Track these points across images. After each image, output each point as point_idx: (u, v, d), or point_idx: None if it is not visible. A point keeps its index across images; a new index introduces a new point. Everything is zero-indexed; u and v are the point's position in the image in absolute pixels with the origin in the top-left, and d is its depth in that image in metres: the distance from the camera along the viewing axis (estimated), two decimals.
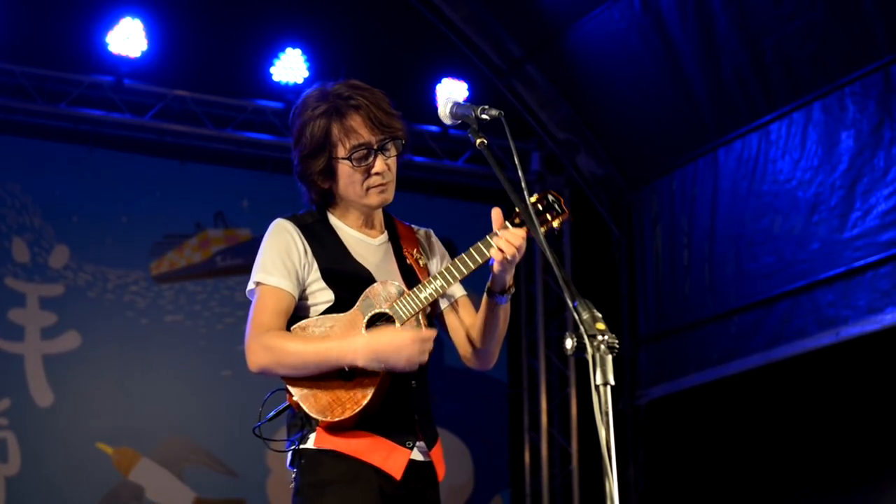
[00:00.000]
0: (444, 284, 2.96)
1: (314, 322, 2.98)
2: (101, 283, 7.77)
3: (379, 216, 3.18)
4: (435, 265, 3.18)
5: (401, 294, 2.99)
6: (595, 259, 8.97)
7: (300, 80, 8.00)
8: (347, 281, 3.00)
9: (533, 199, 2.96)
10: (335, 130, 3.01)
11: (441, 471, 3.06)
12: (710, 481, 8.04)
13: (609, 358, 2.26)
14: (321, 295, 3.01)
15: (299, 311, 3.03)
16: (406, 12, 8.14)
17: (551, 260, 2.46)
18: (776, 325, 7.45)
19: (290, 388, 2.94)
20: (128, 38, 7.63)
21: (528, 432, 8.88)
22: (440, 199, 8.69)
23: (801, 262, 7.31)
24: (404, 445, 2.97)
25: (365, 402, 2.89)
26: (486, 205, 3.16)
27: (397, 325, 2.95)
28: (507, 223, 2.94)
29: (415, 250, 3.15)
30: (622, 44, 8.00)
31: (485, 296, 3.02)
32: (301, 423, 2.98)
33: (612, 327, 2.31)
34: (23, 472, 7.34)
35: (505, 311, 3.04)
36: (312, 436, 2.96)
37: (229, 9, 8.06)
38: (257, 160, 8.29)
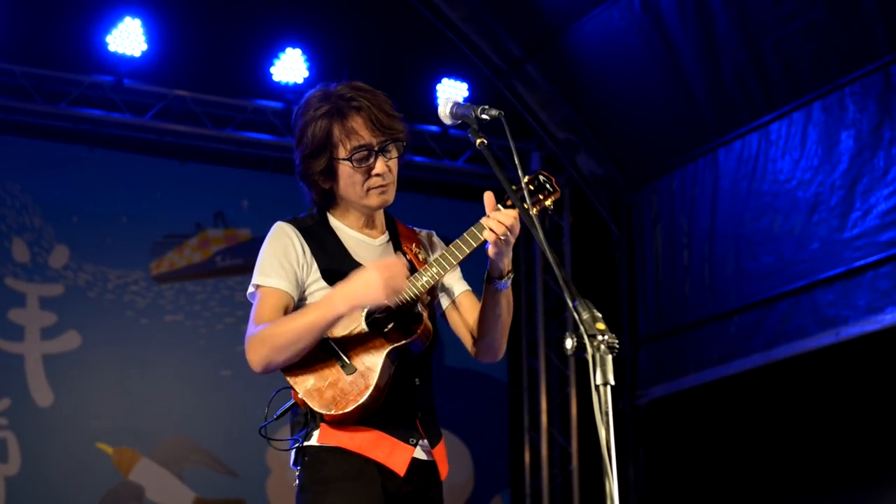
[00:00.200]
0: (441, 271, 2.97)
1: None
2: (101, 283, 7.77)
3: (380, 217, 3.19)
4: None
5: None
6: (595, 259, 8.98)
7: (300, 80, 8.01)
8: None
9: (525, 180, 2.95)
10: (336, 131, 3.02)
11: (444, 470, 3.07)
12: (710, 481, 8.05)
13: (609, 358, 2.26)
14: (322, 294, 3.01)
15: None
16: (406, 12, 8.14)
17: (551, 260, 2.46)
18: (776, 325, 7.45)
19: (293, 384, 2.96)
20: (128, 38, 7.63)
21: (528, 432, 8.88)
22: (440, 199, 8.69)
23: (801, 262, 7.31)
24: (408, 442, 2.98)
25: (368, 392, 2.90)
26: None
27: (396, 314, 2.96)
28: (499, 206, 2.94)
29: (414, 246, 3.16)
30: (622, 44, 8.00)
31: (485, 283, 3.03)
32: (304, 420, 2.99)
33: (612, 327, 2.31)
34: (23, 472, 7.34)
35: (507, 297, 3.03)
36: (316, 433, 2.97)
37: (229, 9, 8.06)
38: (257, 160, 8.29)
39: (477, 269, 3.08)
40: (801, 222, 7.32)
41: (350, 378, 2.92)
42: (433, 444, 3.04)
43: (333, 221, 3.14)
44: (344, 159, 3.03)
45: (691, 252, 8.20)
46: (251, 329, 2.97)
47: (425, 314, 2.98)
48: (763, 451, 7.90)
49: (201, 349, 7.94)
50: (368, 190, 3.06)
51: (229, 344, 7.68)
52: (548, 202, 3.02)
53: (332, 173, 3.06)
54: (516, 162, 2.81)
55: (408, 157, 3.16)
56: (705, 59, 7.68)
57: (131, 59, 7.69)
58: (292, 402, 3.03)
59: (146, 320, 7.84)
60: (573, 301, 2.37)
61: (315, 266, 3.04)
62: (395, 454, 2.96)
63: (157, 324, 7.86)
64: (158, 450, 7.71)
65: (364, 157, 3.03)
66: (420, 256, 3.12)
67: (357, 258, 3.07)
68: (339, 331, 2.96)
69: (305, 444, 2.99)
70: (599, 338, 2.27)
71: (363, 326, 2.96)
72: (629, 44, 7.97)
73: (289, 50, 8.01)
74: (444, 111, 2.99)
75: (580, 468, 8.70)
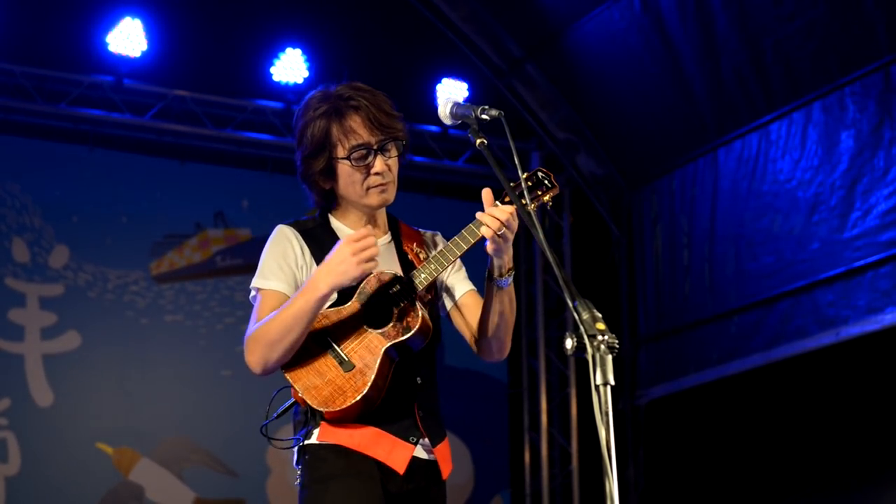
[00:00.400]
0: (438, 268, 2.98)
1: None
2: (101, 283, 7.77)
3: (382, 218, 3.19)
4: None
5: (397, 281, 3.00)
6: (595, 259, 8.98)
7: (300, 80, 8.01)
8: None
9: (523, 176, 2.95)
10: (334, 130, 3.03)
11: (446, 469, 3.06)
12: (710, 481, 8.05)
13: (609, 358, 2.26)
14: None
15: None
16: (406, 12, 8.14)
17: (551, 260, 2.46)
18: (776, 325, 7.45)
19: (292, 382, 2.96)
20: (128, 38, 7.63)
21: (528, 432, 8.88)
22: (440, 199, 8.69)
23: (801, 262, 7.31)
24: (407, 441, 2.98)
25: (365, 389, 2.90)
26: None
27: (394, 311, 2.96)
28: (497, 203, 2.94)
29: (415, 245, 3.16)
30: (622, 44, 8.00)
31: (486, 282, 3.03)
32: (305, 419, 3.00)
33: (612, 327, 2.31)
34: (23, 472, 7.34)
35: (509, 295, 3.03)
36: (316, 431, 2.98)
37: (229, 9, 8.07)
38: (257, 160, 8.30)
39: (479, 268, 3.08)
40: (801, 222, 7.32)
41: (348, 375, 2.92)
42: (435, 442, 3.04)
43: (335, 223, 3.14)
44: (343, 158, 3.03)
45: (691, 252, 8.20)
46: (248, 331, 2.99)
47: (424, 311, 2.97)
48: (763, 451, 7.90)
49: (201, 349, 7.95)
50: (368, 189, 3.06)
51: (229, 344, 7.68)
52: (546, 198, 3.02)
53: (331, 173, 3.06)
54: (516, 162, 2.81)
55: (408, 157, 3.17)
56: (705, 59, 7.68)
57: (131, 59, 7.69)
58: (292, 400, 3.04)
59: (146, 320, 7.84)
60: (573, 301, 2.37)
61: (314, 267, 3.03)
62: (395, 452, 2.96)
63: (157, 324, 7.86)
64: (158, 450, 7.71)
65: (363, 156, 3.03)
66: (421, 256, 3.12)
67: None
68: (338, 327, 2.96)
69: (306, 442, 3.00)
70: (599, 338, 2.27)
71: (362, 323, 2.96)
72: (629, 44, 7.97)
73: (289, 50, 8.01)
74: (444, 111, 2.99)
75: (580, 468, 8.70)
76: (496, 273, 2.99)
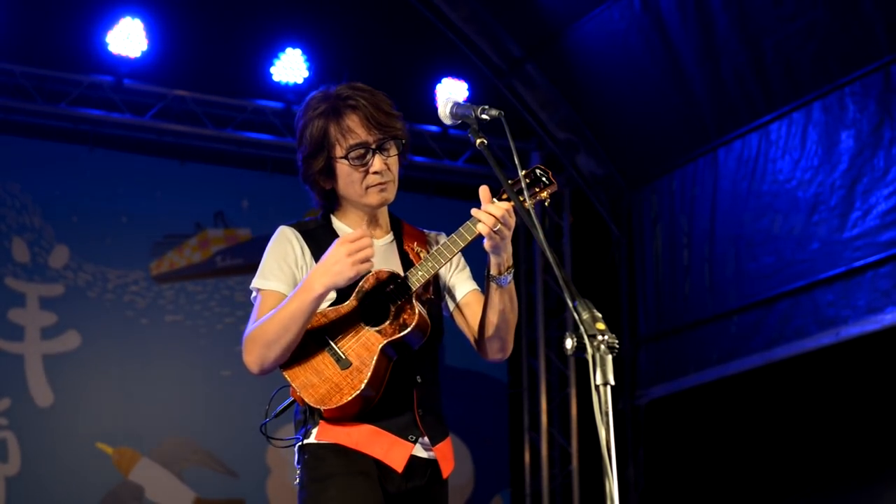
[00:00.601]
0: (436, 265, 2.98)
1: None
2: (101, 283, 7.77)
3: (384, 218, 3.19)
4: (444, 266, 3.17)
5: (395, 279, 3.00)
6: (595, 259, 8.98)
7: (300, 80, 8.01)
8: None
9: (521, 173, 2.94)
10: (332, 130, 3.03)
11: (446, 468, 3.06)
12: (710, 481, 8.05)
13: (609, 358, 2.26)
14: None
15: None
16: (406, 12, 8.14)
17: (551, 260, 2.46)
18: (776, 325, 7.45)
19: (290, 380, 2.97)
20: (128, 38, 7.63)
21: (528, 432, 8.88)
22: (440, 199, 8.69)
23: (800, 262, 7.31)
24: (406, 439, 2.98)
25: (362, 386, 2.90)
26: None
27: (392, 308, 2.96)
28: (495, 199, 2.94)
29: (416, 244, 3.16)
30: (622, 44, 8.00)
31: (486, 280, 3.03)
32: (305, 418, 3.01)
33: (612, 327, 2.31)
34: (23, 472, 7.34)
35: (510, 293, 3.03)
36: (315, 430, 2.99)
37: (229, 9, 8.07)
38: (257, 160, 8.30)
39: (482, 267, 3.08)
40: (801, 222, 7.32)
41: (345, 373, 2.93)
42: (435, 441, 3.03)
43: (336, 223, 3.15)
44: (341, 158, 3.04)
45: (691, 252, 8.20)
46: (246, 331, 2.99)
47: (422, 308, 2.97)
48: (763, 451, 7.90)
49: (201, 349, 7.94)
50: (367, 188, 3.06)
51: (229, 344, 7.68)
52: (544, 195, 3.01)
53: (331, 173, 3.07)
54: (516, 162, 2.81)
55: (408, 157, 3.17)
56: (705, 60, 7.68)
57: (131, 60, 7.69)
58: (291, 399, 3.04)
59: (146, 320, 7.84)
60: (573, 301, 2.37)
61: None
62: (393, 450, 2.96)
63: (157, 324, 7.86)
64: (158, 450, 7.71)
65: (361, 155, 3.04)
66: (421, 255, 3.12)
67: None
68: (336, 325, 2.97)
69: (305, 442, 3.00)
70: (599, 338, 2.27)
71: (359, 321, 2.96)
72: (629, 44, 7.97)
73: (289, 50, 8.01)
74: (444, 111, 2.99)
75: (580, 468, 8.70)
76: (495, 271, 2.99)
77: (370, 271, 2.96)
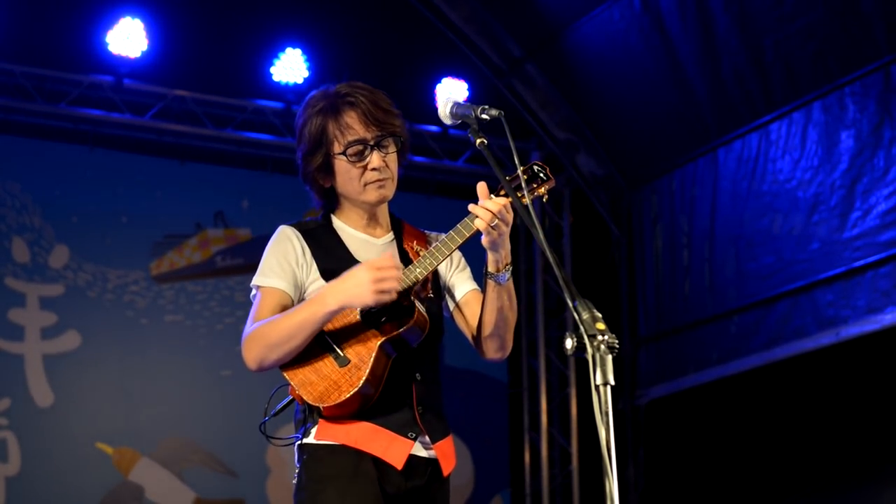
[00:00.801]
0: (433, 262, 2.97)
1: None
2: (101, 283, 7.77)
3: (384, 216, 3.19)
4: (444, 265, 3.18)
5: None
6: (595, 259, 8.98)
7: (300, 80, 8.01)
8: None
9: (519, 169, 2.93)
10: (330, 127, 3.04)
11: (446, 466, 3.05)
12: (710, 481, 8.05)
13: (609, 358, 2.26)
14: None
15: None
16: (406, 12, 8.14)
17: (551, 260, 2.46)
18: (776, 325, 7.45)
19: (288, 378, 2.97)
20: (128, 38, 7.63)
21: (528, 432, 8.88)
22: (440, 199, 8.69)
23: (800, 262, 7.31)
24: (406, 436, 2.97)
25: (360, 383, 2.90)
26: None
27: (390, 306, 2.96)
28: (492, 196, 2.94)
29: (416, 243, 3.16)
30: (622, 44, 8.00)
31: (484, 278, 3.02)
32: (304, 417, 3.01)
33: (612, 327, 2.31)
34: (23, 472, 7.34)
35: (508, 291, 3.02)
36: (314, 430, 2.99)
37: (229, 9, 8.07)
38: (257, 160, 8.29)
39: (481, 266, 3.08)
40: (800, 222, 7.32)
41: (343, 370, 2.93)
42: (435, 439, 3.03)
43: (336, 222, 3.15)
44: (339, 154, 3.04)
45: (691, 252, 8.20)
46: (248, 328, 2.98)
47: (420, 305, 2.97)
48: (763, 451, 7.90)
49: (201, 349, 7.94)
50: (366, 185, 3.06)
51: (229, 344, 7.67)
52: (542, 190, 3.00)
53: (329, 170, 3.07)
54: (516, 162, 2.81)
55: (408, 157, 3.17)
56: (705, 59, 7.68)
57: (131, 60, 7.69)
58: (290, 398, 3.04)
59: (146, 320, 7.84)
60: (573, 301, 2.37)
61: (315, 267, 3.05)
62: (393, 448, 2.96)
63: (157, 324, 7.86)
64: (158, 450, 7.71)
65: (359, 152, 3.04)
66: (420, 253, 3.12)
67: (358, 257, 3.07)
68: (334, 323, 2.97)
69: (304, 441, 3.00)
70: (599, 338, 2.27)
71: (357, 318, 2.97)
72: (629, 44, 7.97)
73: (289, 50, 8.01)
74: (444, 111, 2.99)
75: (580, 468, 8.70)
76: (493, 268, 2.99)
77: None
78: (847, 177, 7.05)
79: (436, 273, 3.14)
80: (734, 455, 7.97)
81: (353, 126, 3.03)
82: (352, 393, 2.90)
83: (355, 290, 2.86)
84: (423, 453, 3.01)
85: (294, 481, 3.02)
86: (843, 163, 7.08)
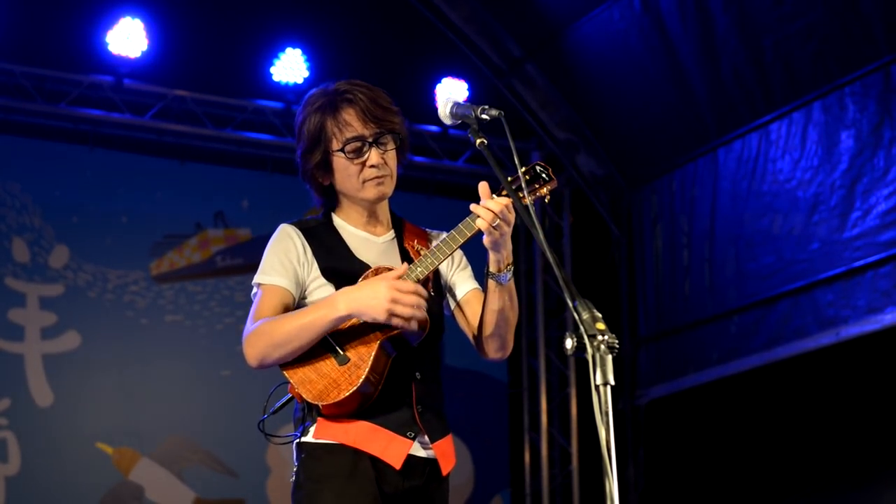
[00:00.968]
0: (434, 261, 2.97)
1: None
2: (101, 283, 7.77)
3: (385, 215, 3.19)
4: (445, 264, 3.18)
5: None
6: (595, 259, 8.98)
7: (300, 80, 8.01)
8: (347, 277, 3.01)
9: (521, 170, 2.93)
10: (329, 124, 3.04)
11: (446, 466, 3.04)
12: (710, 481, 8.05)
13: (609, 358, 2.26)
14: (323, 291, 3.03)
15: None
16: (406, 12, 8.14)
17: (551, 260, 2.46)
18: (776, 325, 7.45)
19: (288, 376, 2.96)
20: (128, 38, 7.63)
21: (528, 432, 8.88)
22: (440, 199, 8.69)
23: (800, 262, 7.31)
24: (405, 436, 2.97)
25: (359, 381, 2.89)
26: None
27: None
28: (494, 196, 2.94)
29: (416, 242, 3.16)
30: (622, 44, 8.00)
31: (485, 278, 3.02)
32: (303, 415, 3.01)
33: (612, 327, 2.31)
34: (23, 472, 7.34)
35: (509, 291, 3.02)
36: (313, 428, 2.98)
37: (229, 9, 8.07)
38: (257, 160, 8.29)
39: (483, 266, 3.07)
40: (801, 222, 7.32)
41: (342, 369, 2.92)
42: (434, 438, 3.02)
43: (337, 221, 3.15)
44: (337, 151, 3.05)
45: (691, 252, 8.20)
46: (249, 324, 2.98)
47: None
48: (763, 451, 7.90)
49: (201, 349, 7.94)
50: (364, 182, 3.06)
51: (229, 344, 7.67)
52: (543, 191, 3.00)
53: (328, 167, 3.07)
54: (516, 162, 2.81)
55: (408, 156, 3.17)
56: (705, 59, 7.68)
57: (131, 60, 7.69)
58: (290, 396, 3.04)
59: (146, 320, 7.84)
60: (573, 301, 2.37)
61: (316, 265, 3.05)
62: (391, 447, 2.95)
63: (157, 324, 7.86)
64: (158, 450, 7.71)
65: (357, 149, 3.04)
66: (421, 252, 3.12)
67: (358, 255, 3.08)
68: None
69: (303, 440, 3.00)
70: (599, 338, 2.27)
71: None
72: (629, 44, 7.97)
73: (289, 50, 8.02)
74: (444, 111, 2.99)
75: (580, 468, 8.70)
76: (494, 268, 2.99)
77: (375, 264, 2.96)
78: (847, 177, 7.05)
79: (437, 272, 3.14)
80: (734, 455, 7.97)
81: (352, 123, 3.03)
82: (351, 391, 2.89)
83: (370, 302, 2.85)
84: (421, 453, 3.01)
85: (292, 480, 3.02)
86: (843, 163, 7.08)
